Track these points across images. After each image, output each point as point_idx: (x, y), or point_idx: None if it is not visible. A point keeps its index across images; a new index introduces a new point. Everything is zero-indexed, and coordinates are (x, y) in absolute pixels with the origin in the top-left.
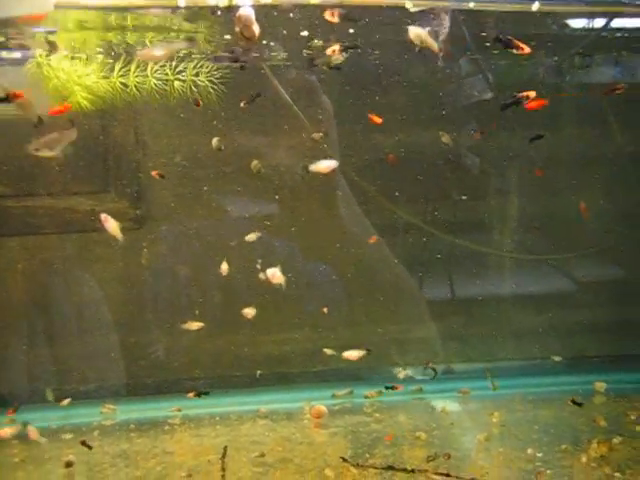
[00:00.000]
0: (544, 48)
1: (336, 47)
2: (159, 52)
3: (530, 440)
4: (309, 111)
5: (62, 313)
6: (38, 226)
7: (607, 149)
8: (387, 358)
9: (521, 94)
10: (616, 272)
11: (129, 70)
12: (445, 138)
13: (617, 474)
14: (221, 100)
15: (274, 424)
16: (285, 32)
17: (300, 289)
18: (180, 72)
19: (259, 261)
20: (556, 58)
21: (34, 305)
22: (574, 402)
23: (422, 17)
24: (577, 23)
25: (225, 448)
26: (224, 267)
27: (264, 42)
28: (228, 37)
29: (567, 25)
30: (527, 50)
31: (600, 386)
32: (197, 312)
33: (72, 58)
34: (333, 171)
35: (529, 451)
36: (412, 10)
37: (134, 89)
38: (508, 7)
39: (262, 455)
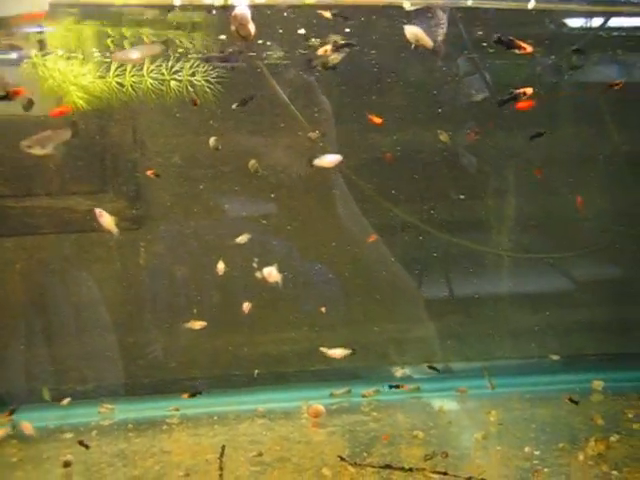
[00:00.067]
0: (540, 46)
1: (329, 47)
2: (134, 55)
3: (527, 438)
4: (307, 110)
5: (60, 313)
6: (36, 226)
7: (604, 148)
8: (385, 357)
9: (518, 90)
10: (614, 271)
11: (125, 70)
12: (443, 137)
13: (614, 472)
14: (218, 100)
15: (272, 423)
16: (281, 31)
17: (298, 288)
18: (176, 72)
19: (256, 260)
20: (553, 57)
21: (32, 305)
22: (571, 400)
23: (419, 15)
24: (573, 21)
25: (223, 447)
26: (220, 266)
27: (260, 41)
28: (223, 37)
29: (563, 23)
30: (529, 49)
31: (598, 384)
32: (195, 312)
33: (68, 58)
34: (331, 170)
35: (526, 449)
36: (408, 9)
37: (130, 89)
38: (504, 5)
39: (260, 454)
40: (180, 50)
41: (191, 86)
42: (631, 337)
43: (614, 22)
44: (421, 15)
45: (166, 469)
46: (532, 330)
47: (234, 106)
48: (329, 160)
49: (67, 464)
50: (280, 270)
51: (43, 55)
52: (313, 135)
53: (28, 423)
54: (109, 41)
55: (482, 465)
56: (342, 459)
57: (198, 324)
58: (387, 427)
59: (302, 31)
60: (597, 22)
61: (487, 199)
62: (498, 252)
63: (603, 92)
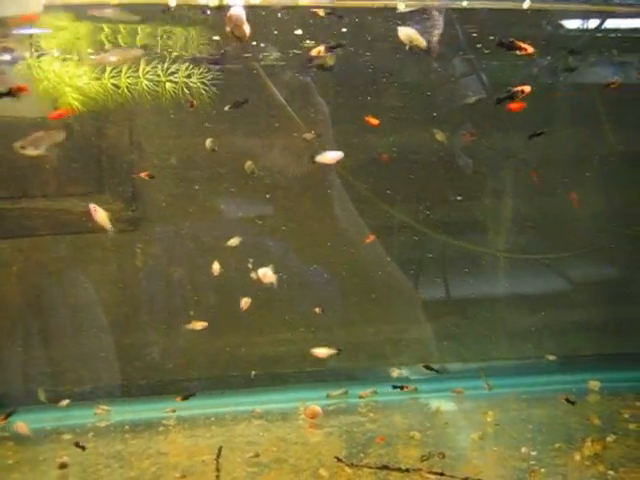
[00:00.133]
0: (537, 47)
1: (322, 48)
2: (114, 58)
3: (524, 439)
4: (303, 111)
5: (56, 314)
6: (32, 228)
7: (600, 148)
8: (381, 358)
9: (516, 89)
10: (610, 271)
11: (121, 71)
12: (440, 136)
13: (611, 472)
14: (214, 101)
15: (269, 424)
16: (276, 32)
17: (295, 289)
18: (172, 73)
19: (250, 260)
20: (549, 58)
21: (28, 307)
22: (568, 400)
23: (414, 17)
24: (568, 22)
25: (220, 448)
26: (215, 267)
27: (254, 43)
28: (217, 38)
29: (559, 23)
30: (530, 50)
31: (594, 385)
32: (192, 313)
33: (63, 59)
34: (328, 171)
35: (523, 450)
36: (400, 11)
37: (126, 90)
38: (499, 5)
39: (257, 455)
40: (175, 53)
41: (187, 88)
42: (627, 337)
43: (610, 23)
44: (416, 16)
45: (163, 470)
46: (528, 330)
47: (227, 108)
48: (331, 157)
49: (63, 466)
50: (276, 271)
51: (38, 56)
52: (308, 136)
53: (23, 423)
54: (104, 42)
55: (479, 465)
56: (339, 460)
57: (199, 324)
58: (384, 428)
59: (298, 32)
60: (593, 22)
61: (483, 200)
62: (494, 253)
63: (606, 87)
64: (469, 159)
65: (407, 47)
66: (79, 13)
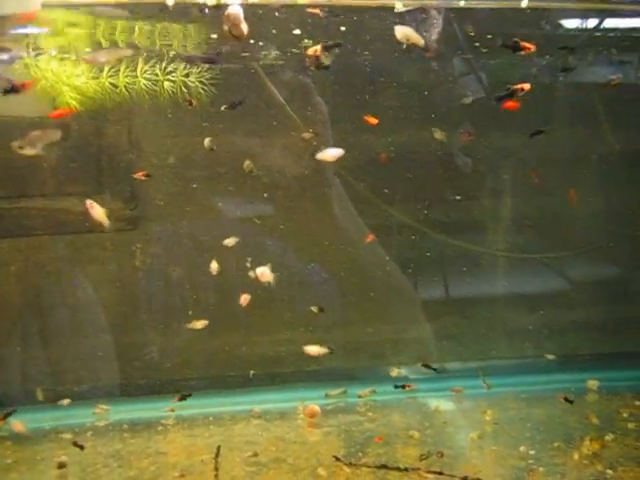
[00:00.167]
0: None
1: (318, 47)
2: (103, 58)
3: (523, 438)
4: (303, 111)
5: (55, 314)
6: (31, 227)
7: (598, 148)
8: (380, 357)
9: (516, 86)
10: (608, 271)
11: (118, 70)
12: (438, 134)
13: (609, 471)
14: (212, 101)
15: (268, 424)
16: (275, 31)
17: (293, 289)
18: (170, 72)
19: (249, 260)
20: (547, 57)
21: (27, 306)
22: (566, 399)
23: (412, 16)
24: (566, 20)
25: (218, 448)
26: (214, 266)
27: (252, 41)
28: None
29: (556, 22)
30: (532, 48)
31: (593, 384)
32: (190, 312)
33: (61, 59)
34: (327, 170)
35: (522, 449)
36: (398, 11)
37: (124, 90)
38: (497, 4)
39: (255, 455)
40: (172, 52)
41: (185, 87)
42: (626, 337)
43: (609, 22)
44: (414, 15)
45: (161, 470)
46: (527, 330)
47: (223, 108)
48: (331, 154)
49: (62, 465)
50: (275, 270)
51: (35, 56)
52: (307, 135)
53: (19, 422)
54: (102, 41)
55: (477, 465)
56: (337, 459)
57: (200, 323)
58: (383, 427)
59: (297, 31)
60: (591, 21)
61: (482, 199)
62: (493, 252)
63: (606, 85)
64: (468, 158)
65: (404, 46)
66: (76, 11)
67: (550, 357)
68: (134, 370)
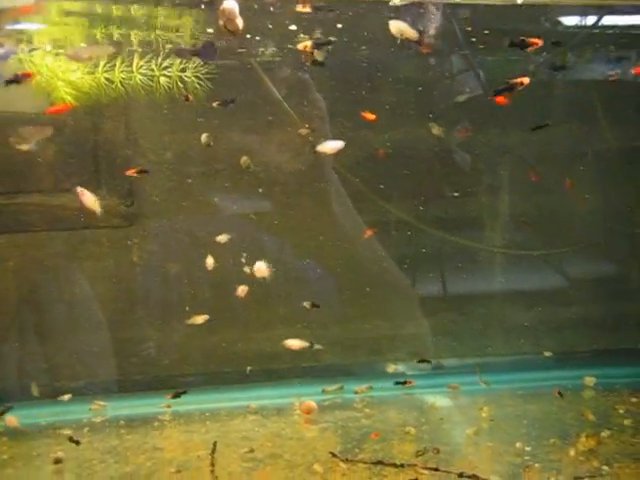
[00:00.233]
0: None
1: (308, 43)
2: (84, 54)
3: (519, 434)
4: (301, 107)
5: (52, 310)
6: (28, 223)
7: (596, 145)
8: (377, 353)
9: (515, 80)
10: (606, 268)
11: (114, 66)
12: (436, 130)
13: (605, 467)
14: (208, 96)
15: (264, 420)
16: (270, 26)
17: (290, 285)
18: (166, 68)
19: (244, 255)
20: (545, 54)
21: (24, 302)
22: (559, 394)
23: (408, 10)
24: (563, 17)
25: (215, 444)
26: (209, 261)
27: (247, 36)
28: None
29: (553, 19)
30: (540, 43)
31: (589, 380)
32: (187, 308)
33: (56, 54)
34: (324, 166)
35: (518, 445)
36: (394, 4)
37: (119, 85)
38: (494, 0)
39: (252, 451)
40: (168, 46)
41: (181, 82)
42: (623, 333)
43: (607, 18)
44: (410, 10)
45: (158, 465)
46: (524, 326)
47: (215, 104)
48: (331, 146)
49: (58, 461)
50: (272, 266)
51: (30, 51)
52: (304, 131)
53: (13, 417)
54: (97, 36)
55: (473, 461)
56: (334, 455)
57: (200, 318)
58: (379, 423)
59: (292, 27)
60: (588, 18)
61: (479, 195)
62: (490, 249)
63: (608, 81)
64: (466, 155)
65: (398, 40)
66: (71, 6)
67: (548, 354)
68: (131, 366)
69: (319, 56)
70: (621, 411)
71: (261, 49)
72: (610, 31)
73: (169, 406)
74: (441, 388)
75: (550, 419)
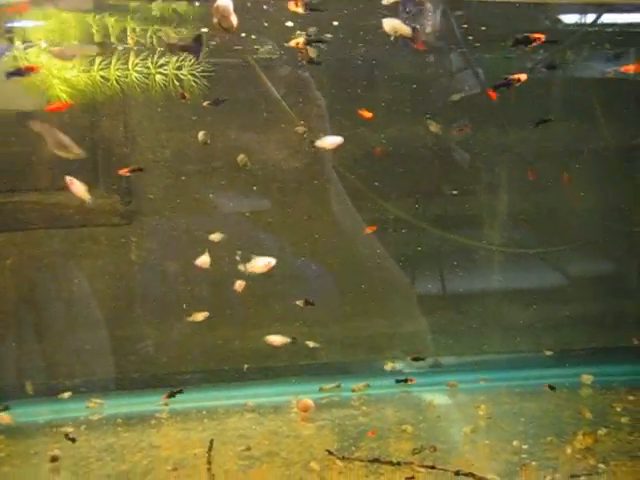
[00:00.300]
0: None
1: (300, 40)
2: (68, 53)
3: (516, 432)
4: (300, 105)
5: (50, 308)
6: (26, 221)
7: (594, 142)
8: (375, 351)
9: (512, 76)
10: (603, 266)
11: (110, 63)
12: (433, 127)
13: (602, 465)
14: (205, 95)
15: (261, 418)
16: (266, 24)
17: (289, 283)
18: (162, 66)
19: (238, 253)
20: (542, 51)
21: (22, 300)
22: (550, 387)
23: (406, 8)
24: (560, 16)
25: (211, 442)
26: (201, 260)
27: (243, 34)
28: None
29: (551, 17)
30: (543, 38)
31: (587, 378)
32: (184, 306)
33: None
34: (324, 164)
35: (515, 443)
36: (387, 2)
37: (115, 83)
38: None
39: (248, 448)
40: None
41: (177, 80)
42: (620, 331)
43: (604, 16)
44: (409, 7)
45: (154, 463)
46: (521, 324)
47: (205, 104)
48: (330, 141)
49: (54, 459)
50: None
51: (25, 48)
52: (300, 129)
53: (6, 415)
54: (94, 33)
55: (470, 459)
56: (330, 453)
57: (201, 315)
58: (376, 421)
59: (289, 24)
60: (584, 15)
61: (478, 194)
62: (488, 247)
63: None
64: (465, 153)
65: (392, 38)
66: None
67: (548, 353)
68: (128, 364)
69: (312, 53)
70: (618, 409)
71: (258, 47)
72: (606, 29)
73: (166, 404)
74: (439, 386)
75: (547, 417)
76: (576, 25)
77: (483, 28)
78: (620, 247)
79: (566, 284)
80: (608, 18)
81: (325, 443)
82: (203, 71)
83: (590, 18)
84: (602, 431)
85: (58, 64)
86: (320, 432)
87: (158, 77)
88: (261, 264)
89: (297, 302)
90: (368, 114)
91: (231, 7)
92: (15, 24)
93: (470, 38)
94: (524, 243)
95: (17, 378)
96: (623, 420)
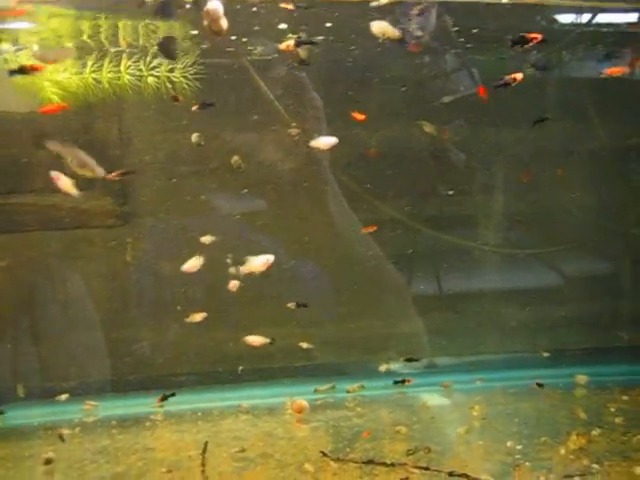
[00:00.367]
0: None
1: (290, 42)
2: (50, 56)
3: (510, 433)
4: (297, 107)
5: (46, 310)
6: (22, 223)
7: (588, 143)
8: (370, 352)
9: (508, 76)
10: (598, 266)
11: (102, 66)
12: (428, 128)
13: (595, 465)
14: (197, 96)
15: (256, 419)
16: (257, 28)
17: (283, 284)
18: (154, 68)
19: (231, 255)
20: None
21: (19, 302)
22: (538, 385)
23: (394, 10)
24: (550, 16)
25: (205, 443)
26: (193, 264)
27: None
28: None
29: (545, 19)
30: (539, 37)
31: (581, 379)
32: (179, 308)
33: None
34: (320, 165)
35: (509, 444)
36: (376, 4)
37: (107, 85)
38: None
39: (243, 450)
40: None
41: (170, 82)
42: (615, 332)
43: (590, 16)
44: (403, 10)
45: (149, 465)
46: (516, 325)
47: (194, 108)
48: (325, 142)
49: (48, 461)
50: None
51: (16, 51)
52: (294, 131)
53: None
54: (85, 36)
55: (464, 460)
56: (324, 455)
57: (199, 316)
58: (370, 422)
59: (282, 26)
60: (574, 16)
61: (473, 194)
62: (483, 247)
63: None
64: (461, 154)
65: (380, 40)
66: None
67: (545, 355)
68: (124, 366)
69: (303, 54)
70: (612, 409)
71: (252, 48)
72: (599, 30)
73: (161, 406)
74: (433, 387)
75: (541, 417)
76: (568, 26)
77: (475, 30)
78: (615, 247)
79: (561, 285)
80: (599, 19)
81: (319, 444)
82: (196, 74)
83: (580, 19)
84: (596, 431)
85: (50, 66)
86: (314, 433)
87: (150, 79)
88: (259, 262)
89: (289, 305)
90: (361, 116)
91: (221, 10)
92: (7, 26)
93: (462, 40)
94: (519, 243)
95: (12, 380)
96: (617, 420)
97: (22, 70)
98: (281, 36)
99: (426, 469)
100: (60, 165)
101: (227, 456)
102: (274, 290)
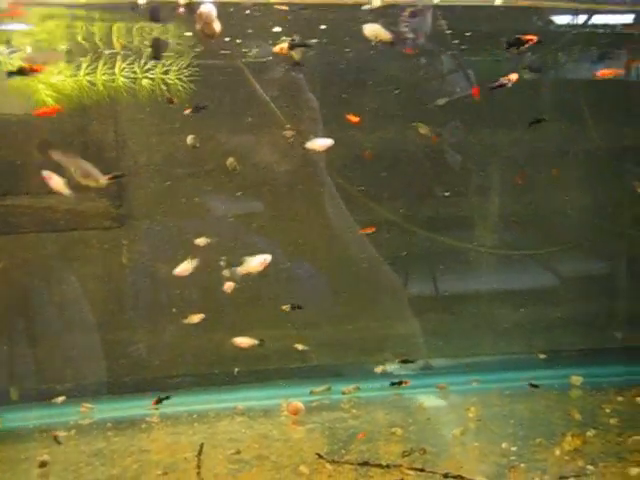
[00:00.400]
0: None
1: (284, 45)
2: (39, 60)
3: (505, 434)
4: (293, 108)
5: (42, 312)
6: (17, 225)
7: (583, 144)
8: (366, 354)
9: (503, 78)
10: (593, 267)
11: (96, 68)
12: (423, 129)
13: (590, 467)
14: (192, 98)
15: (251, 421)
16: (250, 30)
17: (280, 286)
18: (149, 70)
19: (223, 258)
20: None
21: (15, 304)
22: (532, 385)
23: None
24: (543, 18)
25: (201, 445)
26: (185, 268)
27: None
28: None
29: (538, 21)
30: (535, 39)
31: (576, 380)
32: (174, 310)
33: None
34: (316, 167)
35: (504, 445)
36: (368, 7)
37: (101, 87)
38: (472, 2)
39: (238, 452)
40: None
41: (164, 84)
42: (610, 333)
43: (584, 19)
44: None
45: (144, 468)
46: (511, 326)
47: (186, 112)
48: (320, 144)
49: (43, 464)
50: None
51: (10, 53)
52: (289, 133)
53: None
54: (79, 38)
55: (460, 461)
56: (320, 456)
57: (196, 317)
58: (366, 424)
59: (277, 29)
60: (568, 18)
61: (469, 196)
62: (478, 248)
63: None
64: (457, 155)
65: (373, 43)
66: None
67: (542, 356)
68: (120, 368)
69: (296, 55)
70: (607, 410)
71: (244, 50)
72: (593, 31)
73: (157, 408)
74: (429, 388)
75: (537, 419)
76: (563, 27)
77: (468, 33)
78: (610, 248)
79: (557, 286)
80: (594, 20)
81: (315, 446)
82: (190, 75)
83: (574, 21)
84: (591, 432)
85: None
86: (310, 435)
87: (145, 82)
88: (256, 262)
89: (283, 307)
90: (355, 119)
91: (214, 14)
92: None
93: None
94: (515, 244)
95: (7, 382)
96: (612, 421)
97: (21, 72)
98: (275, 38)
99: (421, 470)
100: (61, 173)
101: (223, 458)
102: (270, 292)
